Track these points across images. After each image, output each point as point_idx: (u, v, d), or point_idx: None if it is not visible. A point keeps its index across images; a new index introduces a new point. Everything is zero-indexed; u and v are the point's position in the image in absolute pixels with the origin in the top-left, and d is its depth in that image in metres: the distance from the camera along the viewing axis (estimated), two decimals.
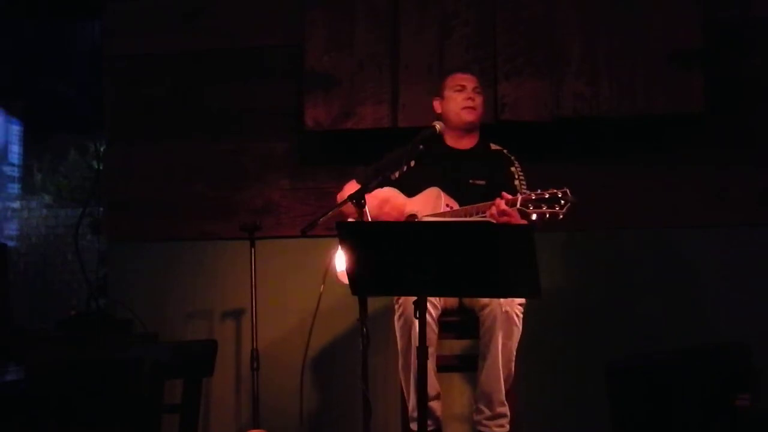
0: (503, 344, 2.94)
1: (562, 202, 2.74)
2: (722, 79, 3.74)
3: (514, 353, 2.98)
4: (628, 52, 3.67)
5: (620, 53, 3.68)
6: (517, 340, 2.97)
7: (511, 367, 2.98)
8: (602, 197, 3.79)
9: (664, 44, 3.64)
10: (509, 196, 2.89)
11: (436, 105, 3.39)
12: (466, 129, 3.35)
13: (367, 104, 3.82)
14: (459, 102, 3.31)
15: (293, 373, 3.53)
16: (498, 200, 2.90)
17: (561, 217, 2.77)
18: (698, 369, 2.53)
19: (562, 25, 3.72)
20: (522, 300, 2.98)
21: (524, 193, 2.91)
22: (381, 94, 3.81)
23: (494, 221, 2.91)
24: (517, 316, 2.96)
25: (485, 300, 2.98)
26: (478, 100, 3.34)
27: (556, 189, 2.76)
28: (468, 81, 3.35)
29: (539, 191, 2.80)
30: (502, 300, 2.92)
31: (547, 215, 2.77)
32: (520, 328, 2.97)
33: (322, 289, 3.07)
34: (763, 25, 3.79)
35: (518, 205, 2.84)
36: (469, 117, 3.32)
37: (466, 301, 3.17)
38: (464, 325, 3.17)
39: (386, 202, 3.22)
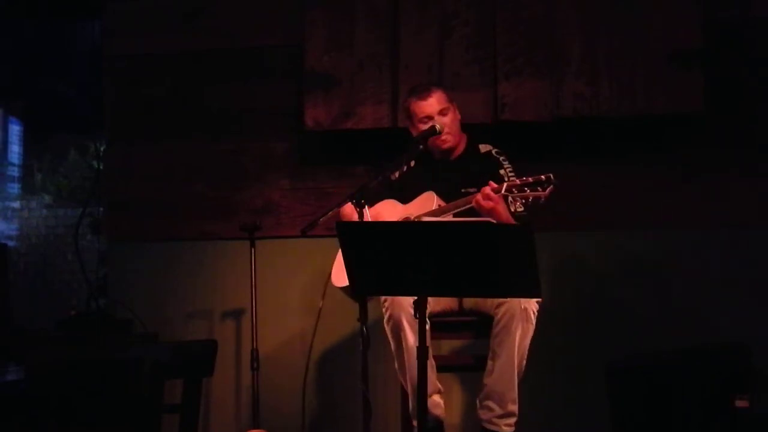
0: (519, 342, 2.91)
1: (546, 185, 2.80)
2: (722, 79, 3.74)
3: (527, 351, 2.96)
4: (628, 52, 3.67)
5: (620, 53, 3.67)
6: (530, 339, 2.95)
7: (523, 364, 2.96)
8: (602, 197, 3.79)
9: (664, 44, 3.64)
10: (495, 185, 2.92)
11: (412, 131, 3.29)
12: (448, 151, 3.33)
13: (367, 104, 3.82)
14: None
15: (293, 373, 3.54)
16: (484, 188, 2.93)
17: (543, 199, 2.81)
18: (698, 369, 2.53)
19: (562, 25, 3.72)
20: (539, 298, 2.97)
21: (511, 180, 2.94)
22: (381, 94, 3.81)
23: (479, 207, 2.93)
24: (534, 313, 2.95)
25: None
26: (447, 119, 3.23)
27: (541, 174, 2.82)
28: (431, 106, 3.22)
29: (524, 177, 2.86)
30: None
31: (530, 198, 2.83)
32: (534, 326, 2.96)
33: (321, 304, 3.08)
34: (763, 25, 3.78)
35: (503, 191, 2.88)
36: (445, 146, 3.27)
37: (468, 302, 3.17)
38: (464, 325, 3.17)
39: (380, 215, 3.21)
